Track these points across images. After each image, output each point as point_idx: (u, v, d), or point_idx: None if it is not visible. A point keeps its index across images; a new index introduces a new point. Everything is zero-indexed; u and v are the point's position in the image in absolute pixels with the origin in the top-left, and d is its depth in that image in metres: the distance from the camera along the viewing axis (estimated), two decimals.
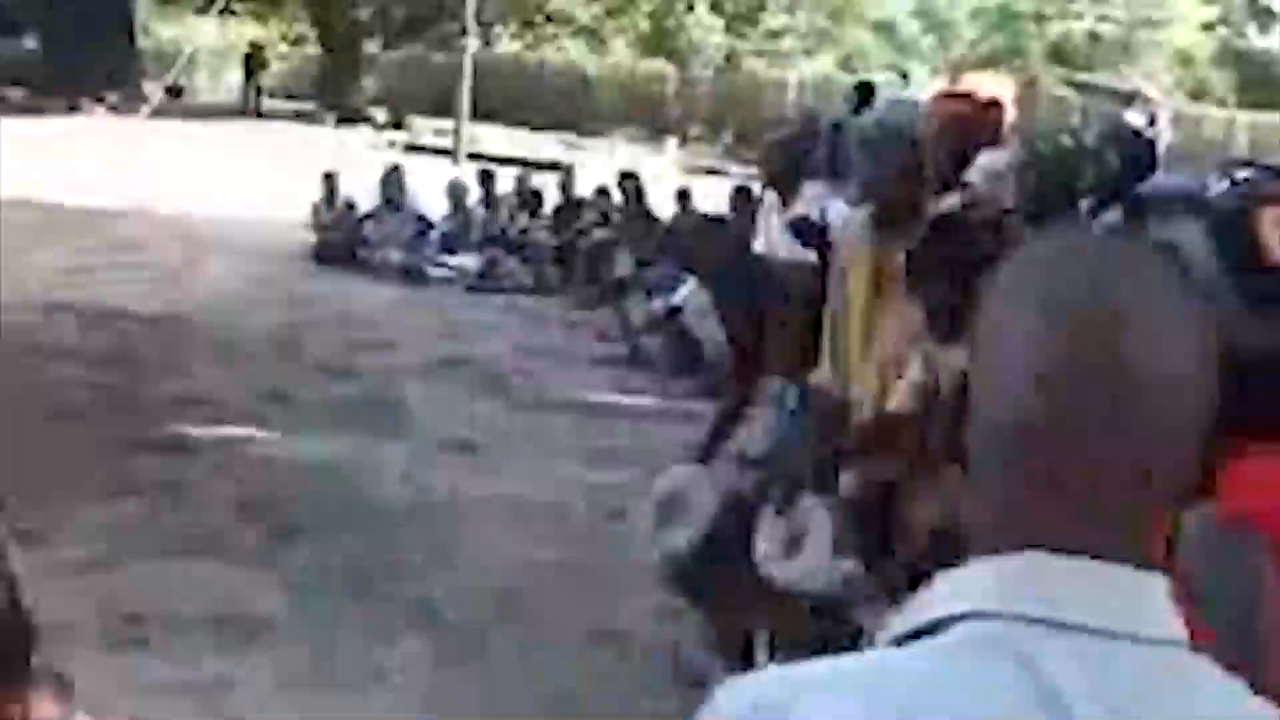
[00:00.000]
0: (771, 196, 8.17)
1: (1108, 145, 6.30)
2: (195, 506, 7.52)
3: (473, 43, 31.43)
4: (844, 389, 5.65)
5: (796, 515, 5.14)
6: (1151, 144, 6.39)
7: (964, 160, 6.78)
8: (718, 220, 8.34)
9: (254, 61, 38.78)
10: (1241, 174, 4.24)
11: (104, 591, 6.19)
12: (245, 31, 40.59)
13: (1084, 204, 6.23)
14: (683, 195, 15.14)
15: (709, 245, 6.65)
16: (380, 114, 36.54)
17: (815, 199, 8.00)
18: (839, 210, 7.43)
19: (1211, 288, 3.44)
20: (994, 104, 7.13)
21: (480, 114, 31.00)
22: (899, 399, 4.93)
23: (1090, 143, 6.44)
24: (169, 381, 9.98)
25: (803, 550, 5.03)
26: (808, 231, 7.48)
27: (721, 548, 5.60)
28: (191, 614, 6.08)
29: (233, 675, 5.57)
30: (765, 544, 5.12)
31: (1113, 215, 5.56)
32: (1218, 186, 4.28)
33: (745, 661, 5.14)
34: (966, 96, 6.60)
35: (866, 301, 5.55)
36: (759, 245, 7.53)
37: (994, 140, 7.20)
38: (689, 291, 11.03)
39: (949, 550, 3.75)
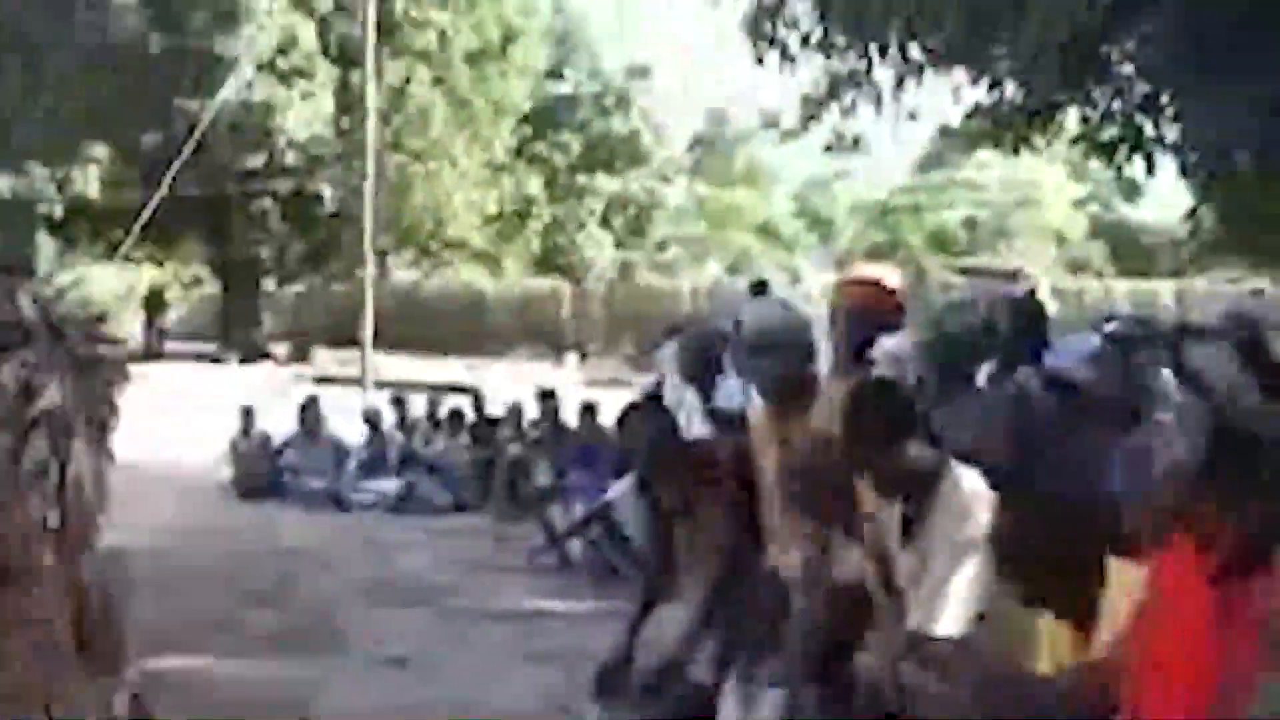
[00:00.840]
0: (690, 394, 8.55)
1: (999, 319, 6.66)
2: None
3: (370, 272, 31.84)
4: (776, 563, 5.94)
5: (753, 698, 5.37)
6: (1041, 310, 6.77)
7: (869, 341, 7.16)
8: (646, 402, 8.64)
9: (153, 305, 39.08)
10: (1109, 326, 4.73)
11: None
12: (143, 275, 40.84)
13: (983, 373, 6.58)
14: (588, 409, 15.50)
15: (641, 424, 6.92)
16: (282, 349, 36.80)
17: (729, 393, 8.39)
18: (749, 399, 7.80)
19: (1240, 391, 3.86)
20: (894, 290, 7.55)
21: (381, 341, 31.31)
22: (843, 568, 5.22)
23: (984, 318, 6.79)
24: None
25: None
26: (724, 421, 7.84)
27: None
28: None
29: None
30: None
31: (1023, 376, 5.93)
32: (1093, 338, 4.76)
33: None
34: (871, 282, 7.00)
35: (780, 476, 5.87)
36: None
37: (894, 324, 7.59)
38: (621, 490, 11.33)
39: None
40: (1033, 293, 6.90)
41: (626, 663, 7.19)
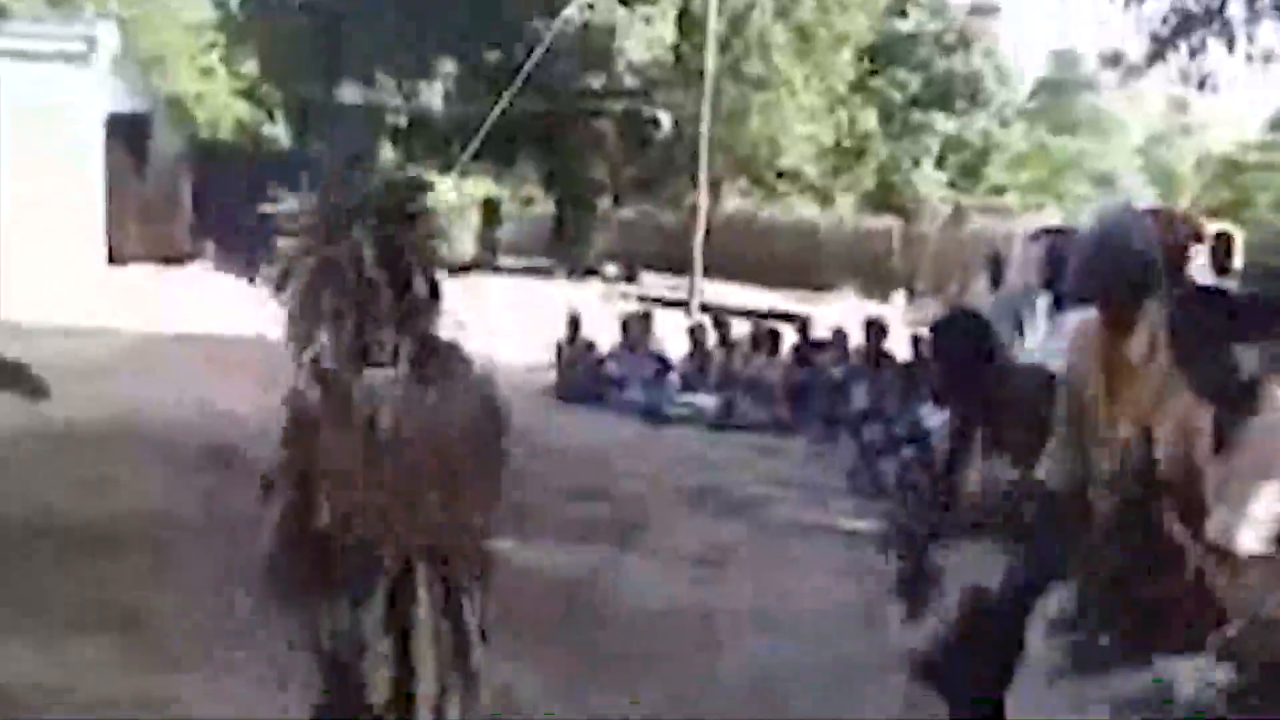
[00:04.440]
0: (1041, 300, 8.51)
1: None
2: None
3: (703, 197, 32.02)
4: (1079, 466, 5.79)
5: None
6: None
7: (1172, 270, 6.97)
8: (966, 315, 8.46)
9: (488, 219, 39.93)
10: None
11: None
12: (478, 189, 41.48)
13: None
14: (915, 340, 15.47)
15: (957, 336, 6.73)
16: (610, 269, 37.18)
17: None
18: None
19: None
20: (1185, 220, 7.40)
21: (709, 268, 31.48)
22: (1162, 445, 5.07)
23: None
24: None
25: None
26: None
27: (976, 639, 5.79)
28: None
29: None
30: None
31: None
32: None
33: None
34: (1160, 213, 6.85)
35: (1106, 384, 5.74)
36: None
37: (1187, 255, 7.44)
38: (938, 416, 11.28)
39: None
40: None
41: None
